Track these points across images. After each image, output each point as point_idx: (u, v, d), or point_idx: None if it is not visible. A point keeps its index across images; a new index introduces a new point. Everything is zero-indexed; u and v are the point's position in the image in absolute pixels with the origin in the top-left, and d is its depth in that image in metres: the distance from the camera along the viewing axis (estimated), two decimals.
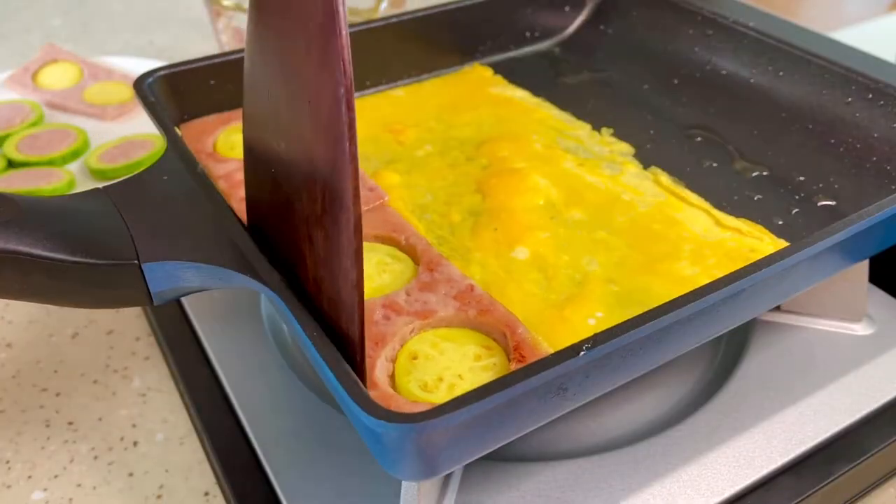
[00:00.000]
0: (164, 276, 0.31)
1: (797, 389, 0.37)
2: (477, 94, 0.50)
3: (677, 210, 0.39)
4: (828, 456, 0.35)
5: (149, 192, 0.34)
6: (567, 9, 0.56)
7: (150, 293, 0.32)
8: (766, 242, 0.37)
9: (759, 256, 0.31)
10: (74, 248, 0.30)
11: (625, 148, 0.44)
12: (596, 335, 0.26)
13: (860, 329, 0.40)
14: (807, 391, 0.37)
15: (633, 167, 0.42)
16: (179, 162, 0.36)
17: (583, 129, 0.46)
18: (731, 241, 0.37)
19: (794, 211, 0.39)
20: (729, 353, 0.39)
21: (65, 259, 0.30)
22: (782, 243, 0.36)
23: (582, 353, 0.26)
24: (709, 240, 0.37)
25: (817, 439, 0.35)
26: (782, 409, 0.36)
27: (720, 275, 0.30)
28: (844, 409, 0.36)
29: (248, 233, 0.32)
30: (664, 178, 0.41)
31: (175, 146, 0.37)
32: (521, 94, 0.49)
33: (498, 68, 0.53)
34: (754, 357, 0.39)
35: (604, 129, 0.46)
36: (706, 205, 0.39)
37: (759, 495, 0.34)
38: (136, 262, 0.31)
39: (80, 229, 0.32)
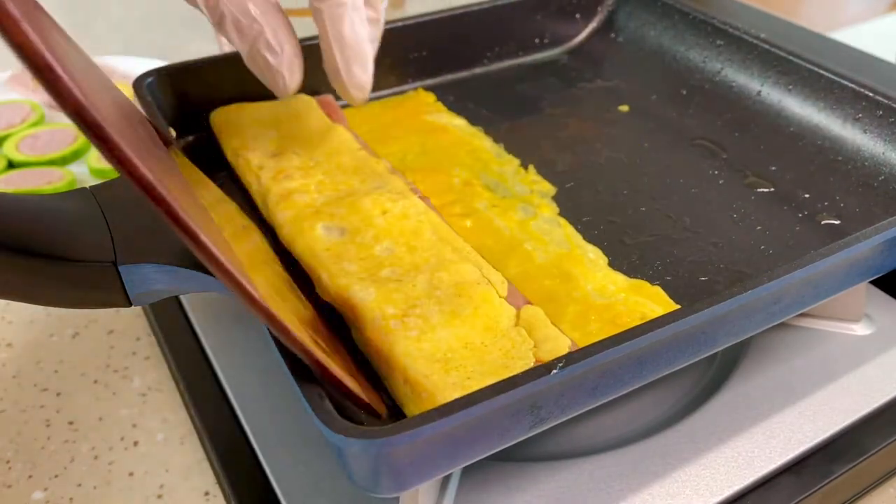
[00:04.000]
0: (141, 278, 0.31)
1: (796, 389, 0.37)
2: (412, 120, 0.47)
3: (576, 264, 0.36)
4: (827, 456, 0.35)
5: (135, 193, 0.34)
6: (577, 16, 0.56)
7: (127, 295, 0.32)
8: (656, 311, 0.34)
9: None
10: (52, 247, 0.30)
11: (546, 188, 0.42)
12: (570, 354, 0.26)
13: (859, 329, 0.40)
14: (806, 391, 0.37)
15: (548, 211, 0.40)
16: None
17: (510, 164, 0.44)
18: (622, 305, 0.34)
19: (796, 228, 0.39)
20: (728, 354, 0.39)
21: (40, 258, 0.30)
22: (673, 306, 0.34)
23: (554, 371, 0.26)
24: (598, 302, 0.34)
25: (817, 439, 0.35)
26: (782, 408, 0.36)
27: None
28: (844, 409, 0.36)
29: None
30: (569, 229, 0.39)
31: (169, 147, 0.37)
32: (458, 123, 0.47)
33: (505, 74, 0.53)
34: (753, 357, 0.39)
35: (531, 167, 0.44)
36: (603, 261, 0.37)
37: (759, 495, 0.34)
38: (112, 263, 0.31)
39: (59, 228, 0.31)
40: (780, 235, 0.39)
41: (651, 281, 0.36)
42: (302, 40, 0.48)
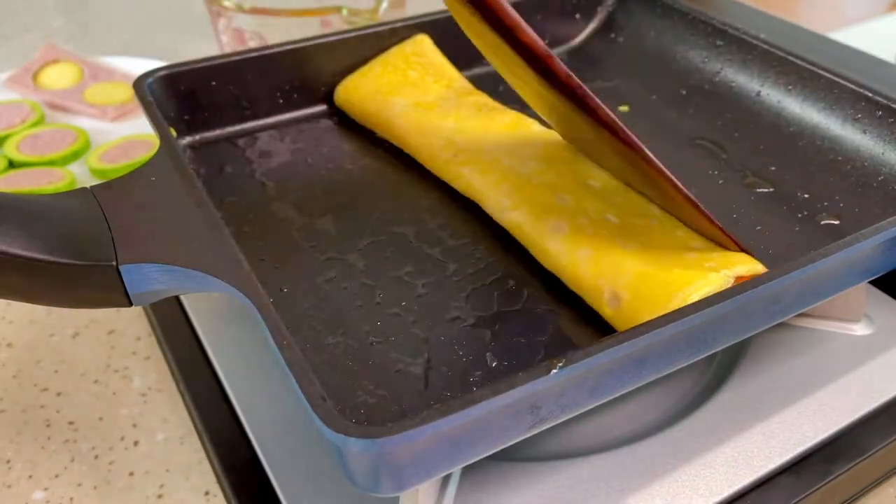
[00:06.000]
0: (141, 277, 0.31)
1: (796, 389, 0.37)
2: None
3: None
4: (827, 456, 0.35)
5: (136, 193, 0.34)
6: (577, 17, 0.55)
7: (128, 294, 0.32)
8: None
9: None
10: (52, 247, 0.30)
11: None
12: (570, 354, 0.26)
13: (859, 329, 0.40)
14: (806, 391, 0.37)
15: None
16: (170, 163, 0.36)
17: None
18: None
19: (796, 228, 0.39)
20: (728, 354, 0.39)
21: (41, 258, 0.30)
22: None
23: (554, 371, 0.26)
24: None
25: (816, 439, 0.35)
26: (781, 408, 0.36)
27: None
28: (843, 409, 0.36)
29: (231, 236, 0.32)
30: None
31: (168, 147, 0.37)
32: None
33: None
34: (753, 357, 0.39)
35: None
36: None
37: (758, 495, 0.34)
38: (113, 263, 0.31)
39: (60, 228, 0.31)
40: (780, 235, 0.39)
41: None
42: (304, 40, 0.48)
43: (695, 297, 0.31)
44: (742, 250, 0.34)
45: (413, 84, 0.47)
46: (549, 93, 0.34)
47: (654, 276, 0.32)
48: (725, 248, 0.34)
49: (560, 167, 0.40)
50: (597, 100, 0.32)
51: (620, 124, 0.32)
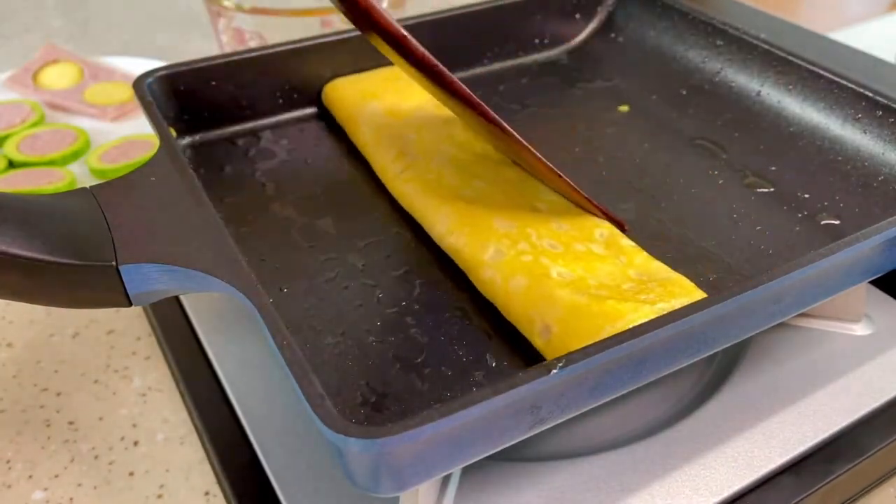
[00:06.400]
0: (141, 277, 0.31)
1: (796, 389, 0.37)
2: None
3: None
4: (827, 456, 0.35)
5: (135, 193, 0.34)
6: (577, 17, 0.55)
7: (128, 294, 0.32)
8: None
9: None
10: (52, 247, 0.30)
11: None
12: (570, 354, 0.26)
13: (859, 329, 0.40)
14: (806, 391, 0.37)
15: None
16: (169, 163, 0.36)
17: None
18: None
19: (796, 228, 0.39)
20: (728, 354, 0.39)
21: (41, 258, 0.30)
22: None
23: (554, 371, 0.26)
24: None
25: (816, 439, 0.35)
26: (781, 408, 0.36)
27: None
28: (843, 409, 0.36)
29: (231, 236, 0.31)
30: None
31: (168, 147, 0.37)
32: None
33: (505, 74, 0.53)
34: (753, 357, 0.39)
35: None
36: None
37: (759, 495, 0.34)
38: (113, 263, 0.31)
39: (60, 229, 0.31)
40: (780, 235, 0.39)
41: None
42: (304, 40, 0.48)
43: None
44: (610, 219, 0.36)
45: (398, 91, 0.46)
46: (439, 91, 0.34)
47: (585, 309, 0.31)
48: (607, 220, 0.37)
49: (508, 188, 0.39)
50: (452, 76, 0.32)
51: (476, 99, 0.33)
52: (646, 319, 0.29)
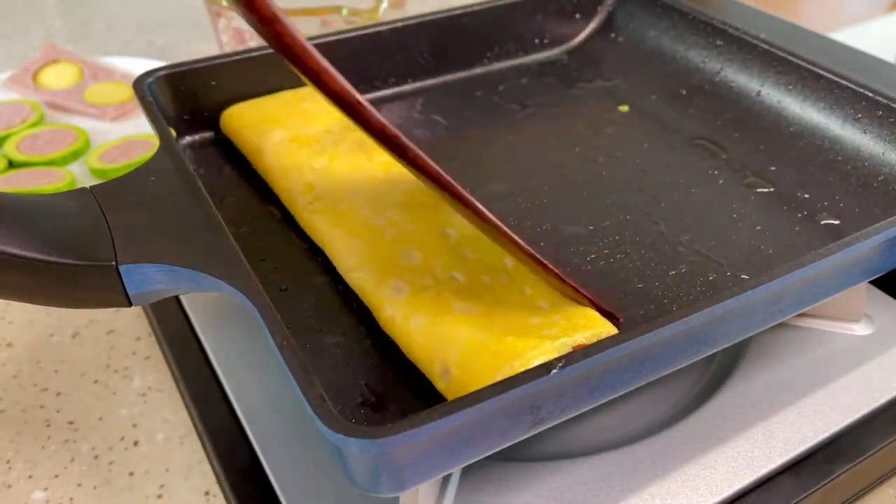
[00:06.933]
0: (141, 278, 0.31)
1: (796, 389, 0.37)
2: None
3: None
4: (827, 456, 0.35)
5: (135, 193, 0.34)
6: (577, 17, 0.55)
7: (127, 294, 0.32)
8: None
9: None
10: (52, 247, 0.30)
11: None
12: (570, 354, 0.26)
13: (859, 329, 0.40)
14: (806, 391, 0.37)
15: None
16: (169, 163, 0.36)
17: None
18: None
19: (796, 228, 0.39)
20: (728, 353, 0.39)
21: (41, 258, 0.30)
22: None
23: (554, 371, 0.26)
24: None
25: (816, 439, 0.35)
26: (781, 408, 0.36)
27: None
28: (843, 409, 0.36)
29: (231, 236, 0.31)
30: None
31: (168, 147, 0.37)
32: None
33: (505, 74, 0.53)
34: (753, 357, 0.39)
35: None
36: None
37: (759, 495, 0.34)
38: (113, 263, 0.31)
39: (60, 229, 0.31)
40: (780, 235, 0.39)
41: (651, 281, 0.36)
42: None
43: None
44: (595, 306, 0.31)
45: (301, 115, 0.44)
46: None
47: (484, 348, 0.29)
48: (579, 302, 0.32)
49: (419, 215, 0.37)
50: (419, 151, 0.27)
51: (447, 178, 0.27)
52: (547, 357, 0.28)
